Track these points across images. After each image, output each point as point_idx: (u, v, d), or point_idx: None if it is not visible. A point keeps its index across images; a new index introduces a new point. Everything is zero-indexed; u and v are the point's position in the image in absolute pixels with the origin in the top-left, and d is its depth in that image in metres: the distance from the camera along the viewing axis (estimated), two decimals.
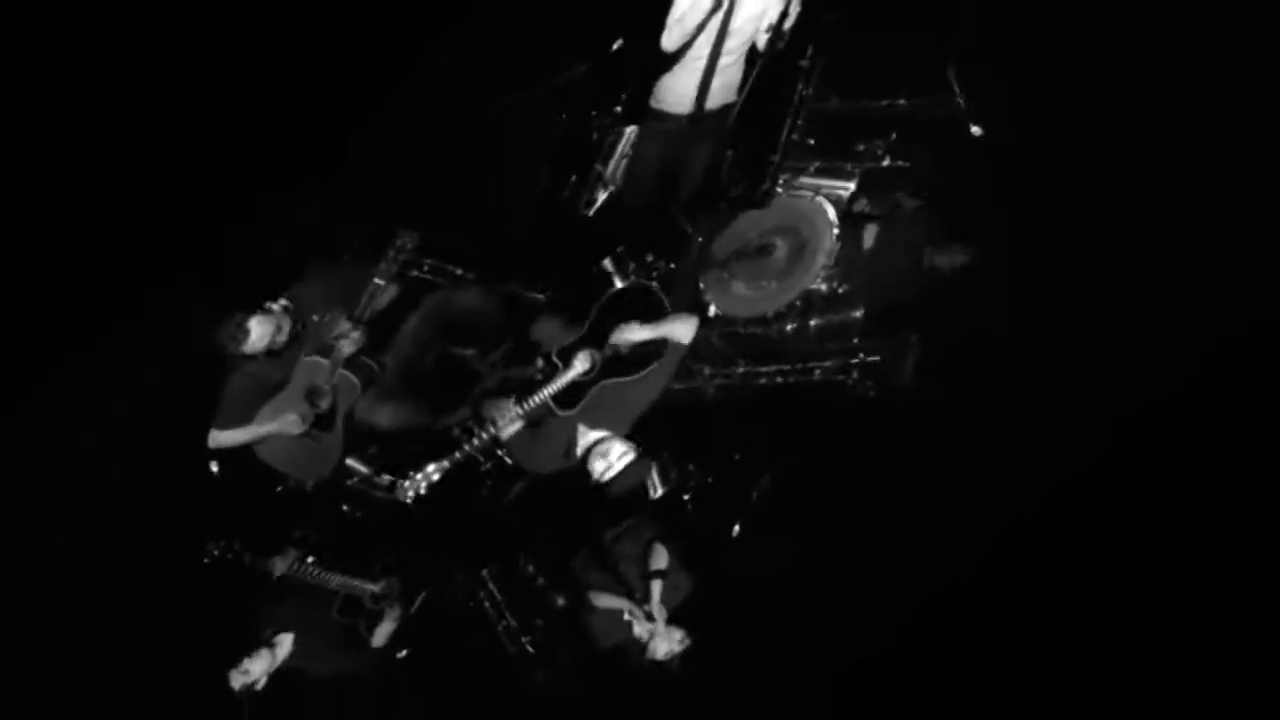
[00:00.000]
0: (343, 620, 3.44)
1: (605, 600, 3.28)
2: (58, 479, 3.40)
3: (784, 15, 3.24)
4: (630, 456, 3.08)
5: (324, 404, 3.42)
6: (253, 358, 3.27)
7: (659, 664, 3.15)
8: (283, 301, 3.33)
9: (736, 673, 3.37)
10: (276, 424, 3.39)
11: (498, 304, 3.76)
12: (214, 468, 3.70)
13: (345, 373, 3.39)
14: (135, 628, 3.44)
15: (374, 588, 3.46)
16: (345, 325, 3.33)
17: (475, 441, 3.21)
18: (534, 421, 3.33)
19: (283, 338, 3.28)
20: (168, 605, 3.49)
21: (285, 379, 3.41)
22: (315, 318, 3.41)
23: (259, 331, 3.18)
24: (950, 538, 3.23)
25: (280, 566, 3.32)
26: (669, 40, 3.35)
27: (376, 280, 3.32)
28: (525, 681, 3.89)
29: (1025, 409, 3.28)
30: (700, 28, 3.28)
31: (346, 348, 3.35)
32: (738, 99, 3.66)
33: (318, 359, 3.37)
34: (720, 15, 3.25)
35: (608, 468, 3.06)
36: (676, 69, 3.49)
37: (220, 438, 3.42)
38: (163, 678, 3.36)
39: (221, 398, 3.36)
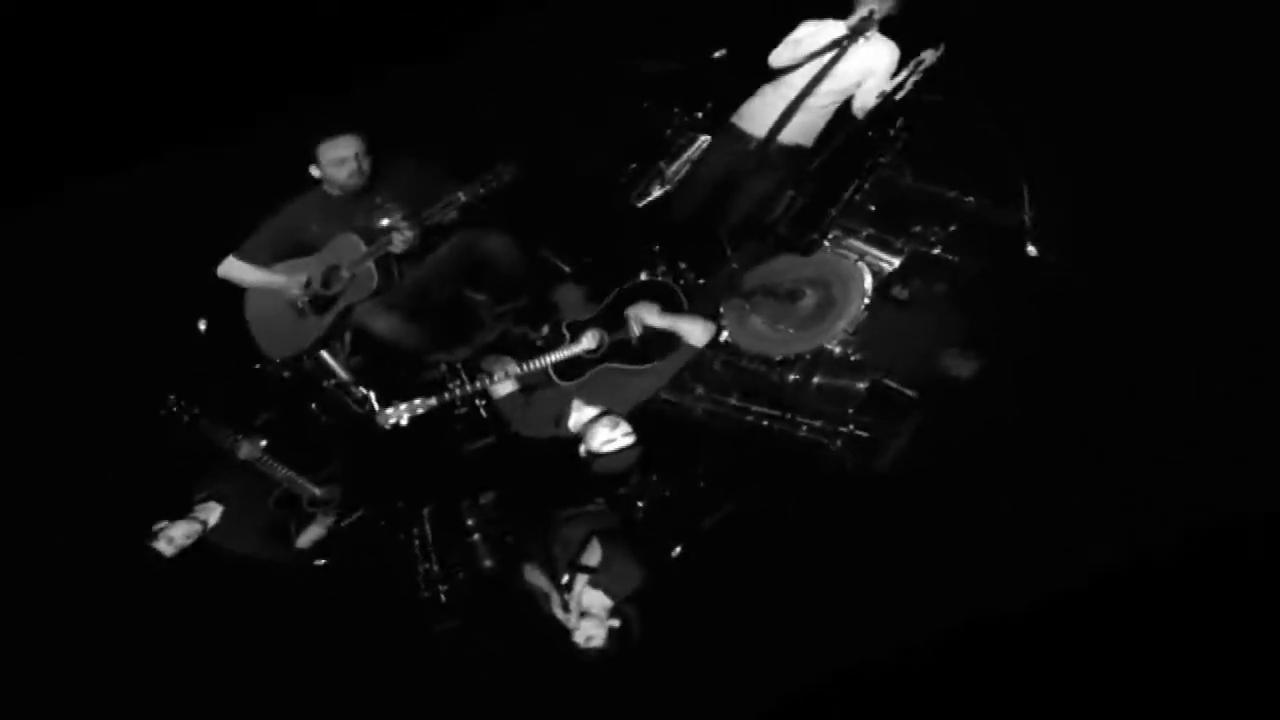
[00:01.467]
0: (276, 512, 3.43)
1: (534, 576, 3.28)
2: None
3: (899, 88, 3.27)
4: (632, 439, 3.10)
5: (336, 287, 3.37)
6: (319, 185, 3.26)
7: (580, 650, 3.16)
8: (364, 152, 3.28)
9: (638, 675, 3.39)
10: (285, 279, 3.36)
11: (525, 261, 3.76)
12: (201, 326, 3.69)
13: (371, 267, 3.33)
14: (75, 460, 3.48)
15: (316, 491, 3.45)
16: (403, 222, 3.24)
17: (465, 388, 3.22)
18: (529, 385, 3.35)
19: (358, 179, 3.25)
20: (114, 445, 3.51)
21: (320, 241, 3.38)
22: (379, 200, 3.35)
23: (349, 150, 3.17)
24: (875, 623, 3.27)
25: (246, 451, 3.29)
26: (777, 57, 3.39)
27: (460, 195, 3.22)
28: (426, 627, 3.88)
29: (991, 523, 3.33)
30: (810, 57, 3.31)
31: (393, 241, 3.27)
32: (812, 145, 3.68)
33: (358, 239, 3.32)
34: (833, 55, 3.28)
35: (610, 441, 3.10)
36: (768, 89, 3.52)
37: (232, 267, 3.42)
38: (88, 517, 3.38)
39: (259, 227, 3.35)
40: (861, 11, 3.26)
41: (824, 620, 3.39)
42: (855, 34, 3.29)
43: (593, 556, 3.28)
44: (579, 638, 3.11)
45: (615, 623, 3.08)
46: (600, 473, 3.18)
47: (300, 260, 3.42)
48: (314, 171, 3.29)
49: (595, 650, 3.10)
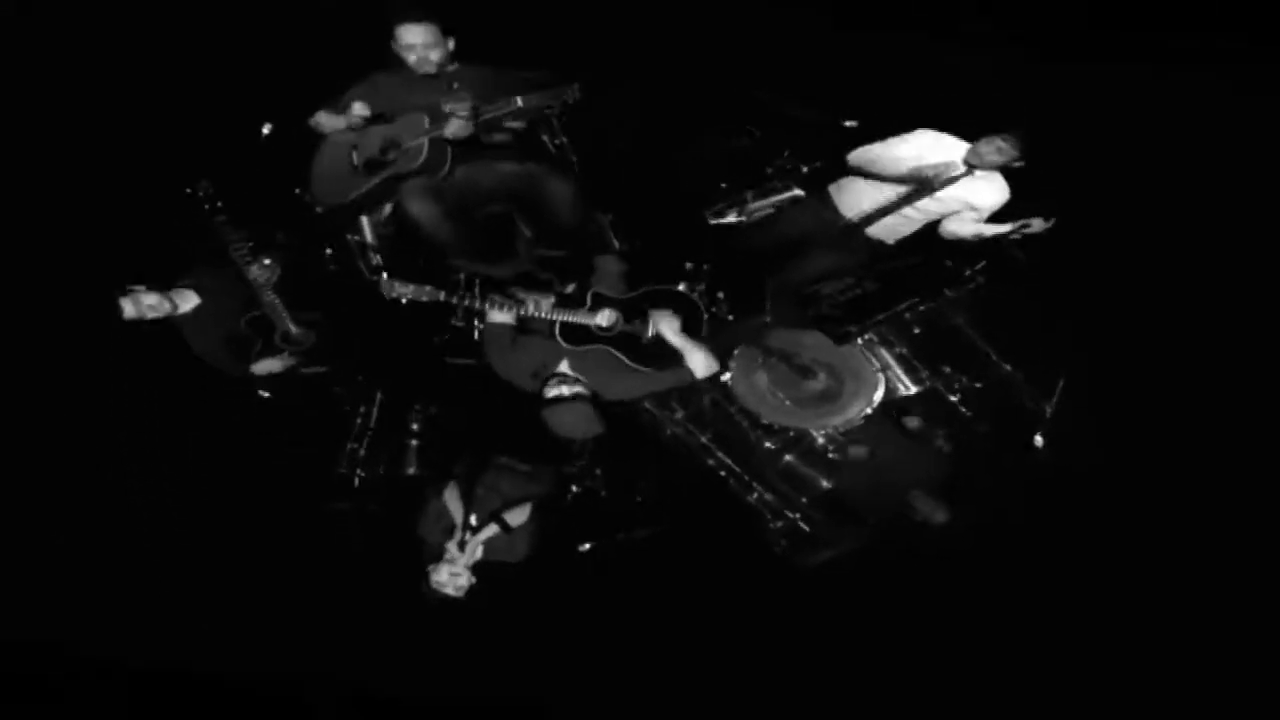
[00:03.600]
0: (246, 330, 3.41)
1: (452, 501, 3.29)
2: None
3: (1002, 238, 3.27)
4: (585, 405, 3.11)
5: (391, 155, 3.42)
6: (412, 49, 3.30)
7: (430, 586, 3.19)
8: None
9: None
10: (354, 134, 3.45)
11: (582, 217, 3.76)
12: (265, 130, 3.69)
13: (424, 143, 3.35)
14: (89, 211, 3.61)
15: (292, 328, 3.43)
16: (467, 109, 3.26)
17: (469, 302, 3.22)
18: (525, 328, 3.35)
19: (428, 67, 3.33)
20: (133, 206, 3.62)
21: (397, 113, 3.42)
22: (457, 84, 3.39)
23: (417, 39, 3.26)
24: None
25: (254, 267, 3.28)
26: (867, 154, 3.37)
27: (519, 100, 3.25)
28: (320, 498, 3.91)
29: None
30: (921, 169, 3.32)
31: (452, 126, 3.29)
32: (891, 245, 3.69)
33: (423, 118, 3.36)
34: (944, 176, 3.28)
35: (558, 395, 3.13)
36: (874, 181, 3.51)
37: (320, 117, 3.56)
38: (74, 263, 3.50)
39: (361, 81, 3.47)
40: (984, 149, 3.23)
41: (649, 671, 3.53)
42: (967, 172, 3.28)
43: (516, 518, 3.27)
44: (442, 576, 3.15)
45: (472, 583, 3.15)
46: (555, 434, 3.18)
47: (375, 127, 3.48)
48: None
49: (441, 596, 3.15)
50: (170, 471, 3.77)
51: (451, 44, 3.39)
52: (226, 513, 3.76)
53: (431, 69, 3.37)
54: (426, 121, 3.36)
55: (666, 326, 3.30)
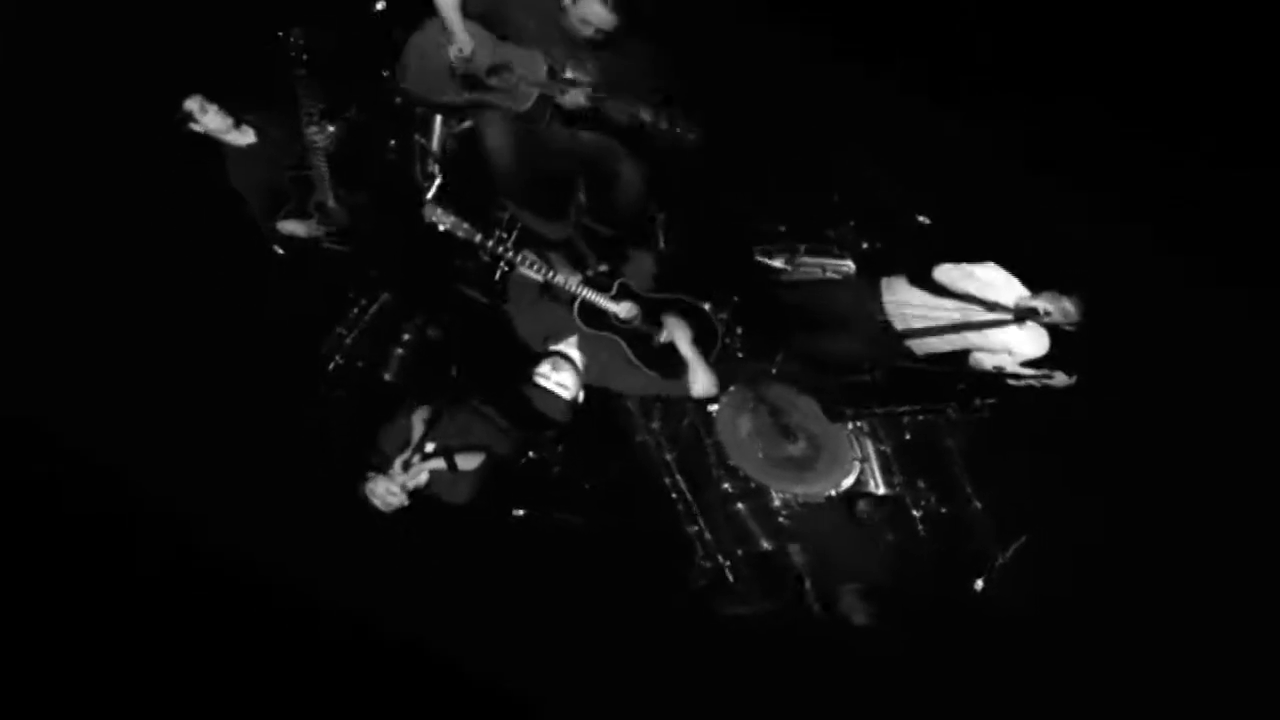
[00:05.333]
0: (285, 184, 3.43)
1: (416, 423, 3.30)
2: None
3: (1017, 376, 3.26)
4: (567, 390, 3.21)
5: (492, 81, 3.35)
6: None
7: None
8: None
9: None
10: (465, 35, 3.29)
11: (640, 208, 3.77)
12: (380, 5, 3.68)
13: (535, 96, 3.34)
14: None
15: (330, 200, 3.44)
16: (589, 89, 3.30)
17: (502, 248, 3.23)
18: (549, 292, 3.36)
19: (590, 34, 3.30)
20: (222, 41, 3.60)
21: (518, 39, 3.35)
22: (588, 56, 3.39)
23: (604, 19, 3.21)
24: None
25: (317, 136, 3.28)
26: (945, 273, 3.37)
27: (642, 110, 3.31)
28: (305, 382, 3.93)
29: None
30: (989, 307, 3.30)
31: (569, 96, 3.31)
32: (919, 354, 3.68)
33: (544, 65, 3.32)
34: (991, 318, 3.27)
35: (543, 379, 3.21)
36: (926, 294, 3.50)
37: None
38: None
39: None
40: (1038, 303, 3.20)
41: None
42: (1018, 319, 3.26)
43: (467, 463, 3.28)
44: (378, 488, 3.15)
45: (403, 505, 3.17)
46: (535, 406, 3.25)
47: (492, 39, 3.40)
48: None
49: (374, 505, 3.16)
50: (155, 291, 3.76)
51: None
52: (195, 352, 3.75)
53: (586, 35, 3.31)
54: (545, 71, 3.31)
55: (680, 336, 3.33)
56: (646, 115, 3.28)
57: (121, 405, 3.54)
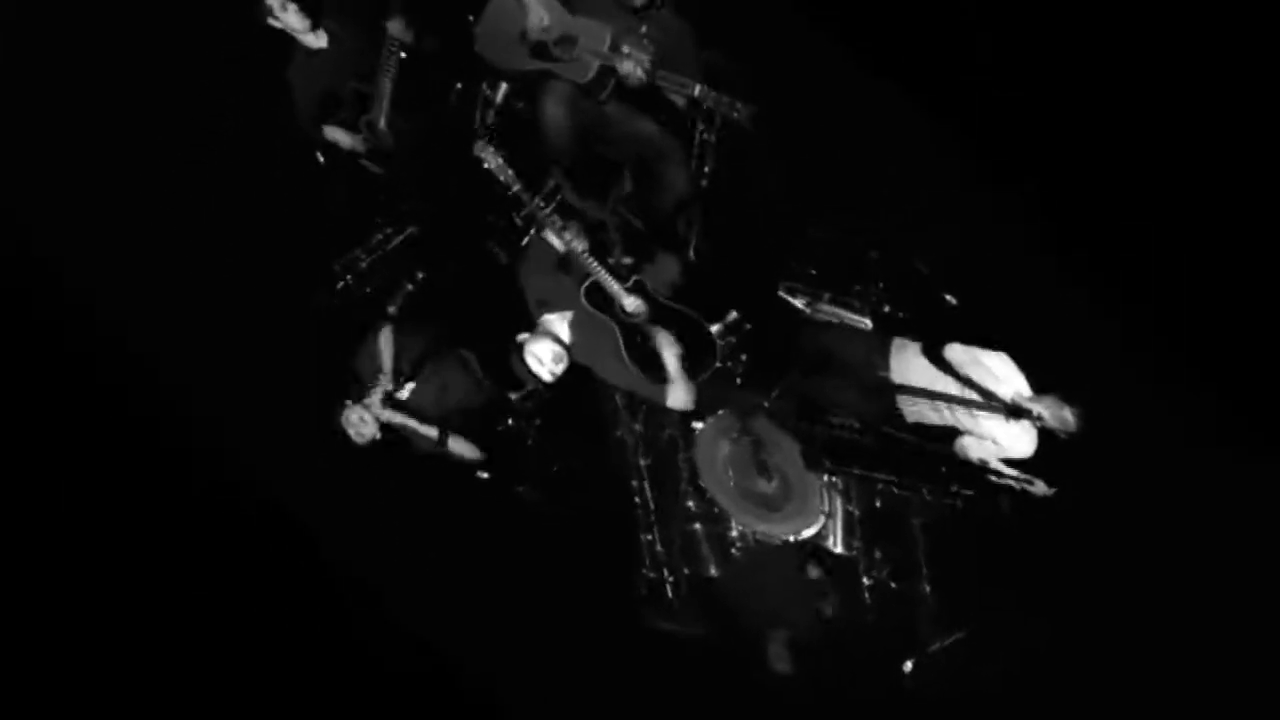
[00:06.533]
0: (343, 92, 3.47)
1: (384, 345, 3.31)
2: None
3: (999, 474, 3.26)
4: (545, 364, 3.23)
5: (559, 52, 3.41)
6: None
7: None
8: None
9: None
10: (538, 4, 3.38)
11: (681, 214, 3.77)
12: None
13: (596, 68, 3.37)
14: None
15: (382, 121, 3.45)
16: (647, 62, 3.30)
17: (536, 205, 3.24)
18: (565, 264, 3.38)
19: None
20: None
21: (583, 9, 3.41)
22: (647, 28, 3.40)
23: None
24: None
25: (390, 57, 3.32)
26: (953, 352, 3.35)
27: (697, 87, 3.30)
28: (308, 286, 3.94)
29: None
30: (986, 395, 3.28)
31: (626, 67, 3.32)
32: (906, 422, 3.66)
33: (608, 38, 3.34)
34: (986, 410, 3.25)
35: (540, 364, 3.26)
36: (931, 367, 3.49)
37: None
38: None
39: None
40: (1034, 405, 3.17)
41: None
42: (1009, 413, 3.24)
43: (460, 448, 3.34)
44: (352, 416, 3.18)
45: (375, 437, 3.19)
46: (518, 371, 3.29)
47: (563, 10, 3.43)
48: None
49: (350, 437, 3.19)
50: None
51: None
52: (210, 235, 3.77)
53: (645, 11, 3.37)
54: (607, 44, 3.35)
55: (666, 348, 3.35)
56: (699, 91, 3.31)
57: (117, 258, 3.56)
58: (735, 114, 3.35)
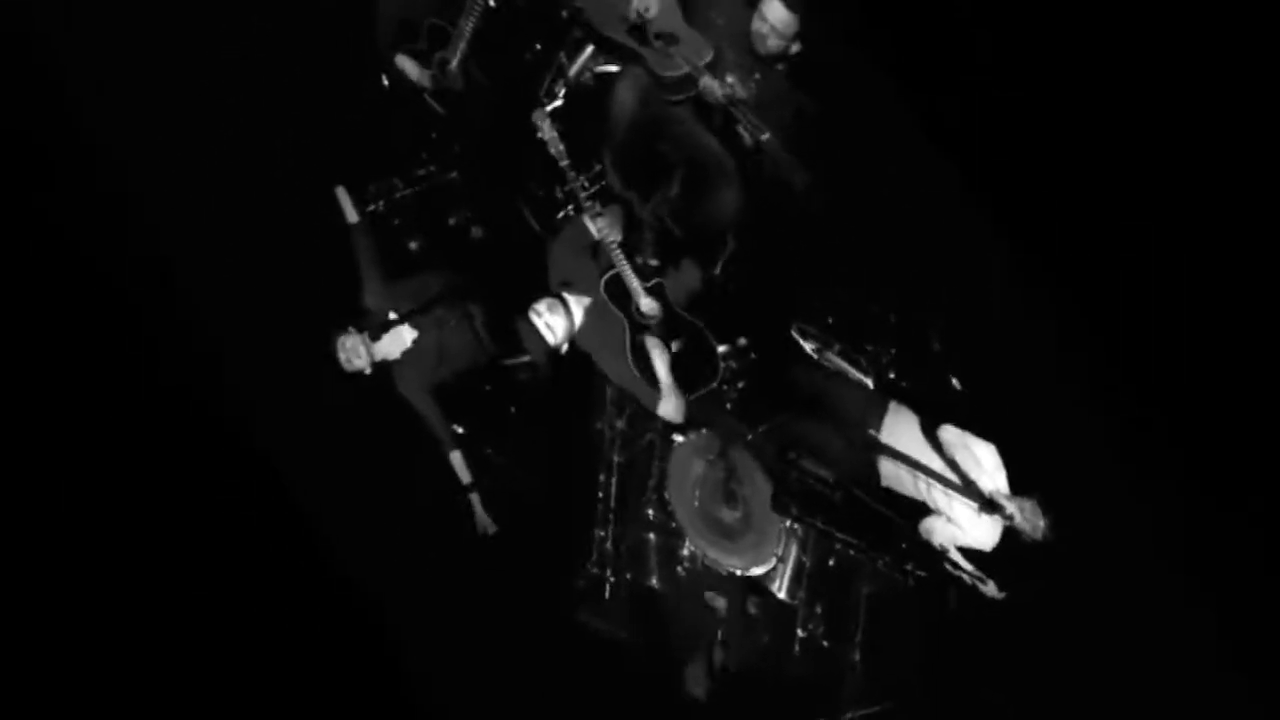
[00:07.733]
0: (423, 23, 3.46)
1: (371, 284, 3.34)
2: None
3: (957, 566, 3.25)
4: (552, 335, 3.32)
5: (654, 44, 3.37)
6: None
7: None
8: None
9: None
10: None
11: (722, 231, 3.77)
12: None
13: (684, 65, 3.35)
14: None
15: (454, 63, 3.46)
16: (733, 93, 3.33)
17: (579, 184, 3.29)
18: (593, 251, 3.39)
19: (780, 45, 3.32)
20: None
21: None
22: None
23: (785, 24, 3.23)
24: None
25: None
26: (946, 431, 3.35)
27: (764, 136, 3.35)
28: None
29: None
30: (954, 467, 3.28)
31: (709, 83, 3.32)
32: (878, 486, 3.64)
33: (708, 54, 3.33)
34: (961, 494, 3.24)
35: (538, 314, 3.33)
36: (919, 438, 3.48)
37: None
38: None
39: None
40: (1007, 503, 3.17)
41: None
42: (981, 504, 3.24)
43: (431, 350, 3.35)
44: (346, 343, 3.22)
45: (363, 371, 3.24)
46: (523, 336, 3.35)
47: (679, 12, 3.40)
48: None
49: (339, 359, 3.21)
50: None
51: (798, 47, 3.35)
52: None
53: (763, 50, 3.34)
54: (704, 59, 3.33)
55: (658, 356, 3.40)
56: (768, 138, 3.32)
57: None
58: (793, 179, 3.40)
